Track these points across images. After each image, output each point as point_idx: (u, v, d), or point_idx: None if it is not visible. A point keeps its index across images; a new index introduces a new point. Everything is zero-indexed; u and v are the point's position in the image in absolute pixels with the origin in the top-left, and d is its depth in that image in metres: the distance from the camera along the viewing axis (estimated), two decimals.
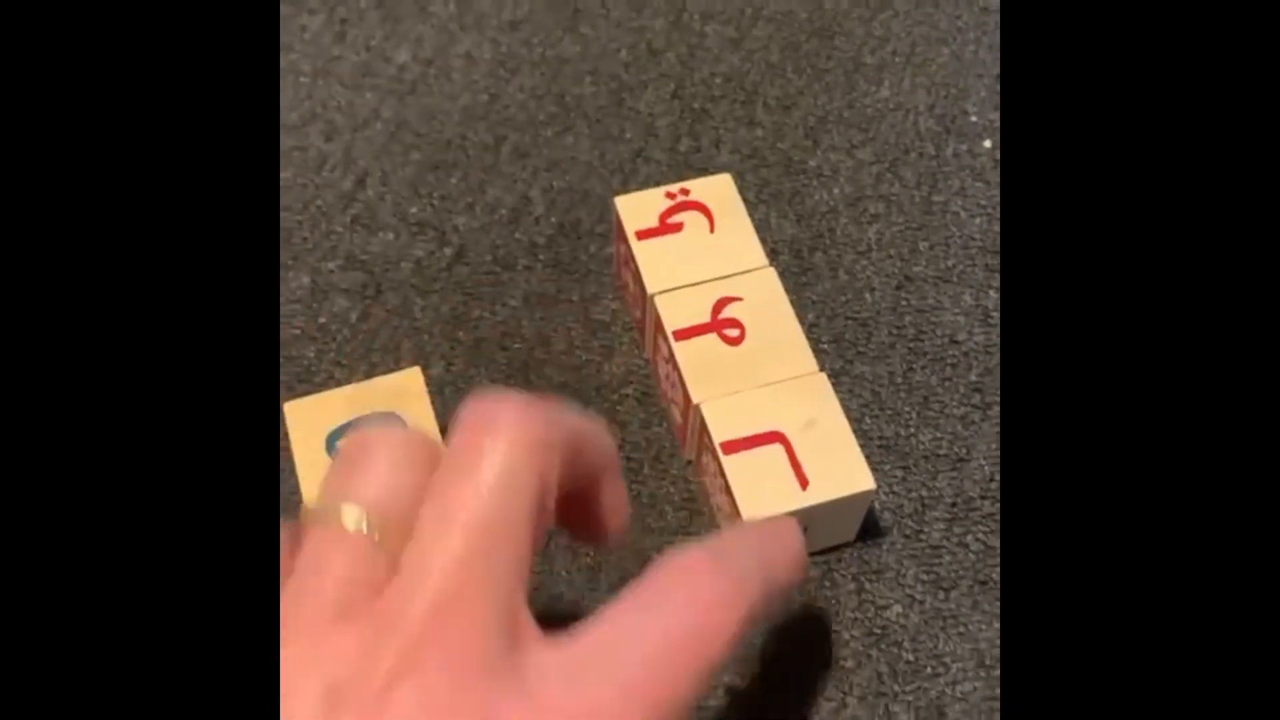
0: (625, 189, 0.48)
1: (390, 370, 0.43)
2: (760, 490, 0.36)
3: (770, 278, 0.41)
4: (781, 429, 0.38)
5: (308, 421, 0.37)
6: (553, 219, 0.47)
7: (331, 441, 0.36)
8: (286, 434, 0.39)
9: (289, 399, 0.41)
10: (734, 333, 0.40)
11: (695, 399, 0.38)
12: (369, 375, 0.43)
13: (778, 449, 0.37)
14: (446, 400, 0.43)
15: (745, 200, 0.44)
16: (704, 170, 0.49)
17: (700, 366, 0.39)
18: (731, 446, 0.37)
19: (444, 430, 0.37)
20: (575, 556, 0.40)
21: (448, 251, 0.46)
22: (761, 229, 0.47)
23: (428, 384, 0.43)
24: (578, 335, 0.45)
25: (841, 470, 0.37)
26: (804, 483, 0.37)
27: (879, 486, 0.41)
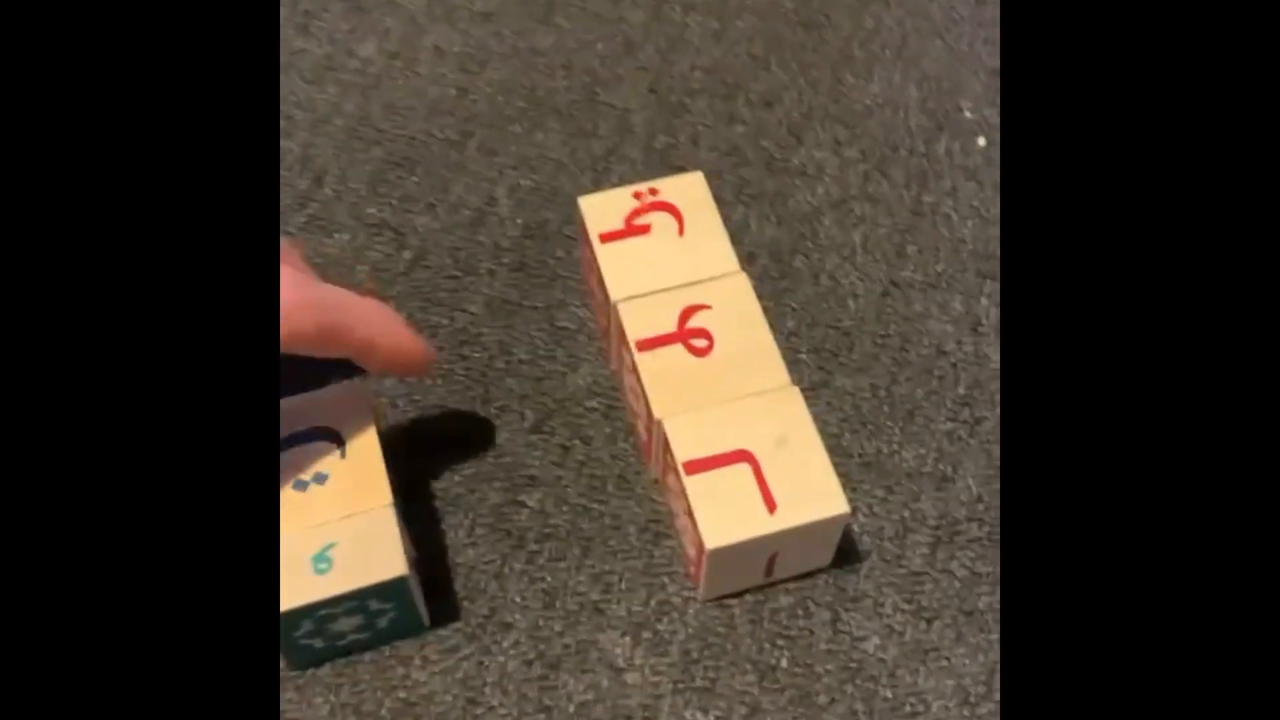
0: (598, 188, 0.45)
1: None
2: (724, 514, 0.34)
3: (742, 284, 0.38)
4: (750, 447, 0.35)
5: None
6: (519, 220, 0.45)
7: None
8: None
9: None
10: (701, 343, 0.37)
11: (658, 414, 0.36)
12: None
13: (745, 469, 0.35)
14: (401, 411, 0.40)
15: (724, 201, 0.41)
16: (681, 169, 0.46)
17: (664, 379, 0.36)
18: (695, 466, 0.35)
19: (388, 450, 0.34)
20: (531, 581, 0.37)
21: (406, 254, 0.44)
22: (740, 231, 0.45)
23: (379, 395, 0.40)
24: (541, 344, 0.42)
25: (813, 493, 0.34)
26: (772, 506, 0.34)
27: (858, 508, 0.39)
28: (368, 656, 0.36)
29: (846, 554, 0.38)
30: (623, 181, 0.46)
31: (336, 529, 0.33)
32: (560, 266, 0.44)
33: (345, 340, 0.32)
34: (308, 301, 0.31)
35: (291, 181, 0.46)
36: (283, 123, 0.47)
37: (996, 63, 0.50)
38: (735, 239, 0.39)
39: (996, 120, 0.48)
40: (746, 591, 0.37)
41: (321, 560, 0.32)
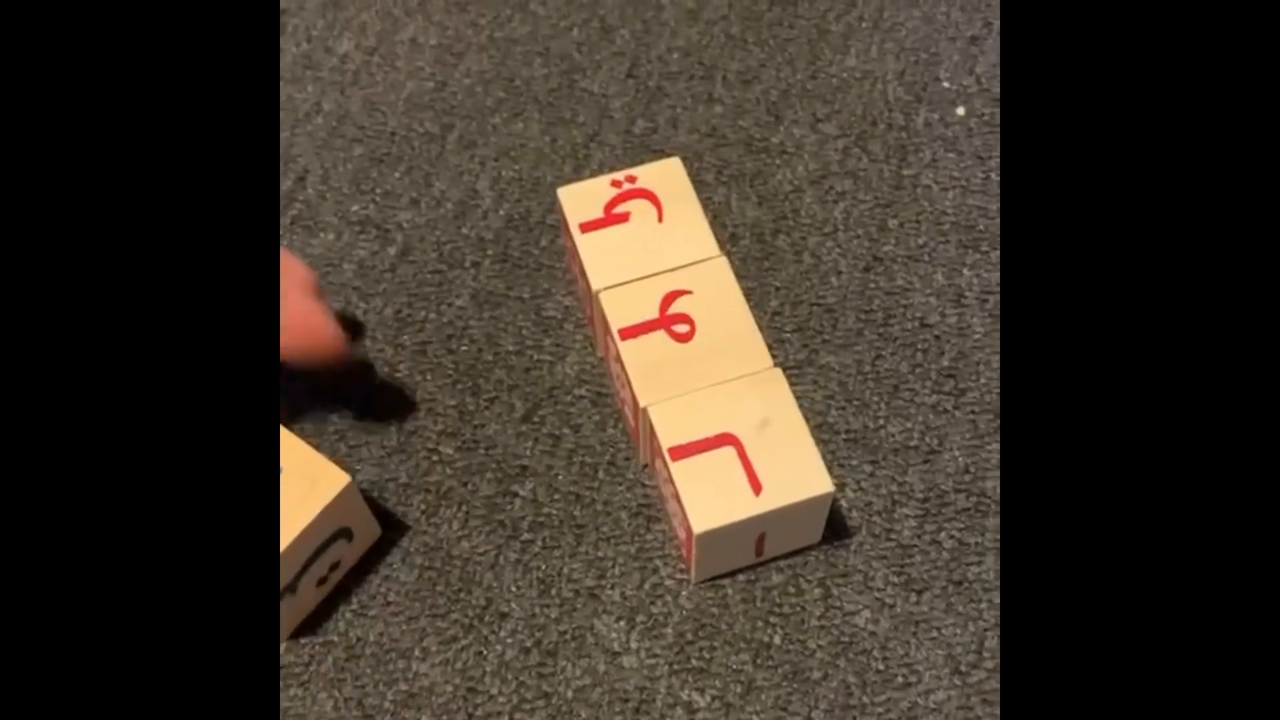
0: (579, 176, 0.46)
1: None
2: (711, 498, 0.34)
3: (722, 268, 0.38)
4: (734, 430, 0.35)
5: None
6: (501, 211, 0.45)
7: None
8: None
9: None
10: (683, 329, 0.37)
11: (643, 402, 0.36)
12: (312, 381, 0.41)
13: (729, 452, 0.35)
14: (389, 405, 0.41)
15: (704, 183, 0.41)
16: (661, 153, 0.46)
17: (648, 366, 0.37)
18: (680, 451, 0.35)
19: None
20: (526, 570, 0.38)
21: (391, 251, 0.44)
22: (722, 212, 0.45)
23: (371, 389, 0.41)
24: (529, 334, 0.42)
25: (797, 473, 0.35)
26: (757, 488, 0.34)
27: (846, 483, 0.39)
28: (368, 651, 0.36)
29: (836, 530, 0.38)
30: (603, 168, 0.46)
31: None
32: (544, 256, 0.44)
33: None
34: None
35: None
36: None
37: (974, 30, 0.50)
38: (717, 220, 0.40)
39: (975, 89, 0.48)
40: (738, 571, 0.38)
41: None
